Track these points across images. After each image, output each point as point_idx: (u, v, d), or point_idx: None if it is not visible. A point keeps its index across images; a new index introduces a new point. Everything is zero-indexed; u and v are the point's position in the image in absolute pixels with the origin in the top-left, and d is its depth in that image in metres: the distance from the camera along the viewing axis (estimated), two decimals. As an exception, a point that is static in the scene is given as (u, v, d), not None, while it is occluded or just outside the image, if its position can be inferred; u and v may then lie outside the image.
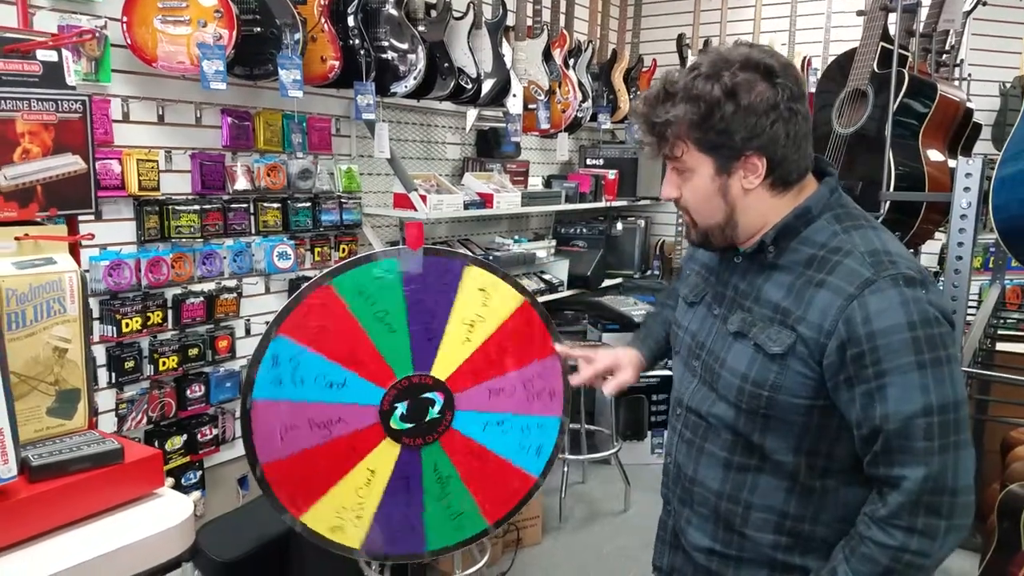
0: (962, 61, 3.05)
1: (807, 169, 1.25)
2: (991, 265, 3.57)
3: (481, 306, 1.83)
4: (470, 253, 1.70)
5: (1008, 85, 4.41)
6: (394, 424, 1.78)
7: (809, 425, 1.20)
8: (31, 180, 1.11)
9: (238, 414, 1.71)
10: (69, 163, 1.15)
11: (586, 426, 3.86)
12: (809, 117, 1.22)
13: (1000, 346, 2.94)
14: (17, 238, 1.08)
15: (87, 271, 2.42)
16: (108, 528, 0.99)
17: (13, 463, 0.91)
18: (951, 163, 2.39)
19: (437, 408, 1.81)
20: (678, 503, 1.40)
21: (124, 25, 2.36)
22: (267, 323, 1.71)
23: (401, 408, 1.78)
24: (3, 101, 1.09)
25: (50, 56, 1.19)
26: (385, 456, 1.81)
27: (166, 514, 1.03)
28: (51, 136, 1.14)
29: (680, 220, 4.98)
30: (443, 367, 1.81)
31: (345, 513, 1.80)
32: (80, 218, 2.56)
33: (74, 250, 1.16)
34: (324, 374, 1.73)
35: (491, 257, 3.83)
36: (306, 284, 1.72)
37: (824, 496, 1.23)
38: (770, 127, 1.16)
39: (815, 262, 1.19)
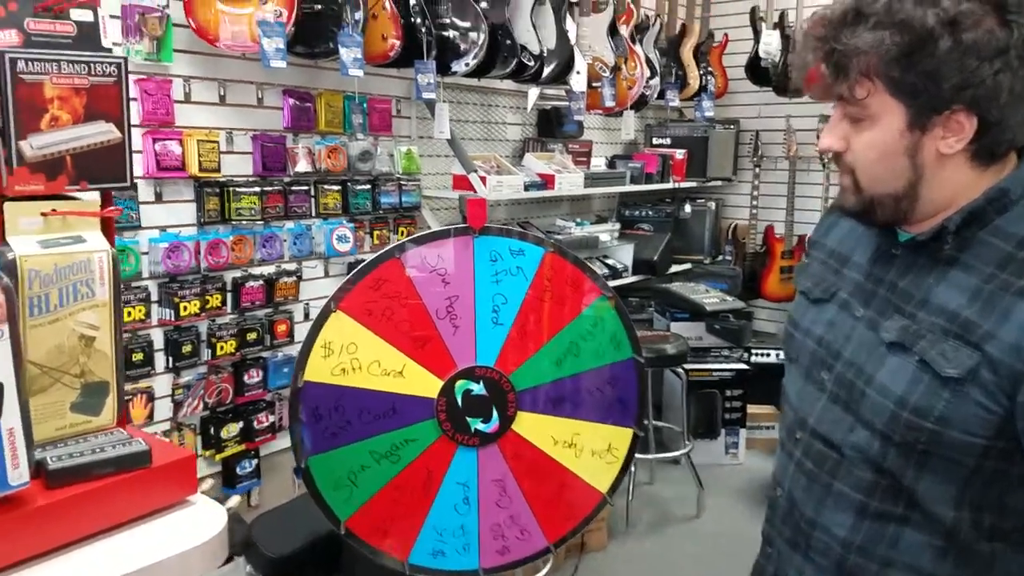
0: None
1: (1019, 141, 0.97)
2: None
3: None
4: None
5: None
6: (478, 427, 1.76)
7: (981, 470, 0.95)
8: (60, 150, 1.00)
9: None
10: (102, 132, 1.04)
11: (654, 422, 3.69)
12: None
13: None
14: (43, 214, 0.98)
15: (146, 253, 2.39)
16: (129, 544, 0.88)
17: (25, 468, 0.79)
18: None
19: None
20: (786, 546, 1.16)
21: (184, 4, 2.32)
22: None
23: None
24: (30, 63, 0.98)
25: (85, 16, 1.09)
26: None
27: (196, 527, 0.91)
28: (82, 102, 1.03)
29: (755, 202, 4.74)
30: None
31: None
32: (141, 201, 2.47)
33: (107, 227, 1.05)
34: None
35: (553, 240, 3.68)
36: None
37: (991, 562, 0.99)
38: (992, 77, 0.89)
39: (1012, 262, 0.94)
